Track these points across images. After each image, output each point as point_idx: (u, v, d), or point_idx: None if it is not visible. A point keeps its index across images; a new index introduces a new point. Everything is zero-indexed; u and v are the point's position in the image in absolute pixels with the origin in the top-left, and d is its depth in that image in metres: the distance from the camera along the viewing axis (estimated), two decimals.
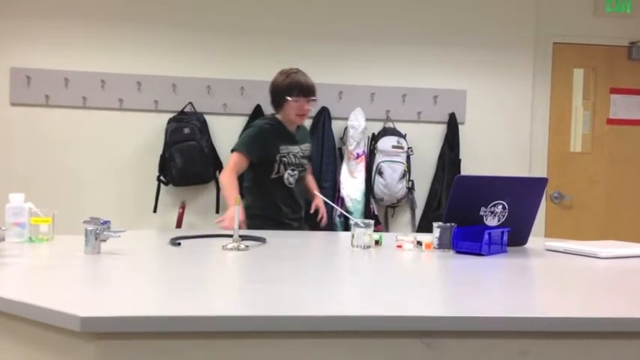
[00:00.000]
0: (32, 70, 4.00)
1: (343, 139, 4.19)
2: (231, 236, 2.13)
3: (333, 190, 4.07)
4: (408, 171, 4.15)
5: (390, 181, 4.08)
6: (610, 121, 4.56)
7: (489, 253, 2.11)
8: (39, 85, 4.00)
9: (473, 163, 4.29)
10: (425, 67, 4.34)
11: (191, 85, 4.11)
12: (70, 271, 1.73)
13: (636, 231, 4.39)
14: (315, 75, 3.10)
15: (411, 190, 4.21)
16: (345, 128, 4.17)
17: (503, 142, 4.41)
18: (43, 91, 4.01)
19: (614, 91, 4.55)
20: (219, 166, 4.05)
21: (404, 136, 4.18)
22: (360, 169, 4.10)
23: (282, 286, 1.57)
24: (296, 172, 3.05)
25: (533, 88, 4.43)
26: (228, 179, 2.92)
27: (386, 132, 4.19)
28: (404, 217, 4.35)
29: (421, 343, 1.28)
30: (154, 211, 4.05)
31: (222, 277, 1.78)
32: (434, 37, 4.32)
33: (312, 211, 3.12)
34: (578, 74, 4.55)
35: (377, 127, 4.24)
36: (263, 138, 3.01)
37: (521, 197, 2.27)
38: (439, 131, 4.34)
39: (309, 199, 3.19)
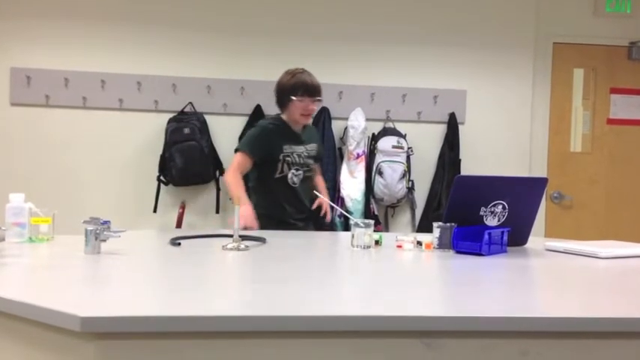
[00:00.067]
0: (32, 70, 4.00)
1: (343, 139, 4.19)
2: (231, 236, 2.13)
3: (333, 190, 4.06)
4: (408, 171, 4.15)
5: (390, 181, 4.08)
6: (610, 121, 4.55)
7: (489, 253, 2.11)
8: (39, 85, 4.00)
9: (473, 163, 4.29)
10: (425, 67, 4.34)
11: (191, 85, 4.11)
12: (70, 271, 1.73)
13: (636, 231, 4.39)
14: (315, 75, 3.10)
15: (411, 190, 4.21)
16: (345, 128, 4.17)
17: (503, 142, 4.41)
18: (43, 91, 4.01)
19: (614, 91, 4.55)
20: (219, 166, 4.06)
21: (404, 136, 4.17)
22: (360, 169, 4.10)
23: (282, 286, 1.57)
24: (300, 171, 3.05)
25: (533, 88, 4.43)
26: (233, 179, 2.93)
27: (386, 132, 4.19)
28: (404, 217, 4.35)
29: (421, 343, 1.28)
30: (154, 211, 4.05)
31: (222, 277, 1.78)
32: (434, 37, 4.32)
33: (314, 207, 3.11)
34: (578, 74, 4.54)
35: (377, 127, 4.24)
36: (266, 138, 3.01)
37: (521, 197, 2.27)
38: (439, 131, 4.34)
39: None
